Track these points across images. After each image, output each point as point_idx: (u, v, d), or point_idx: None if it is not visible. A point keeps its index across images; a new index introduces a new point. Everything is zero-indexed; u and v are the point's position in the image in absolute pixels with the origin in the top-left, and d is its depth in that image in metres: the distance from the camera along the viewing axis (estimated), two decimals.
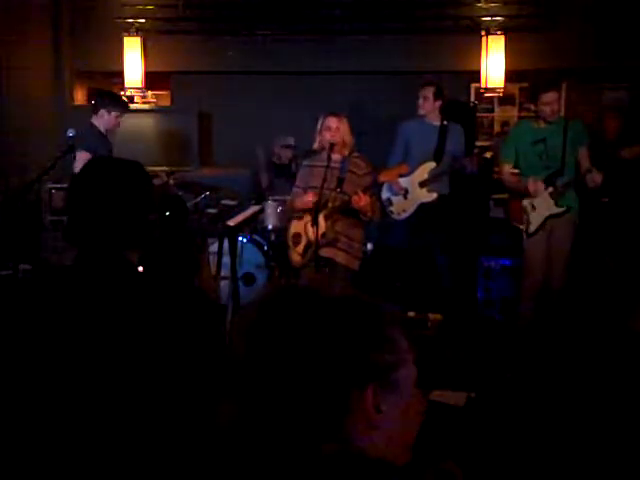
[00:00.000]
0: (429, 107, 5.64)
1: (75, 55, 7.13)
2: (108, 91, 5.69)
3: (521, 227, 4.96)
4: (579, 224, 5.04)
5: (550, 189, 4.86)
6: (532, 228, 4.91)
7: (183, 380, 1.79)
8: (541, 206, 4.87)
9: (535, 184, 4.85)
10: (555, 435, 3.12)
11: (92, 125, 5.23)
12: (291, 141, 6.38)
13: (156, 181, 5.40)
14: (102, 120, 5.24)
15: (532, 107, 4.96)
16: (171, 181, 5.62)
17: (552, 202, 4.86)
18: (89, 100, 7.48)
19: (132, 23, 6.91)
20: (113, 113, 5.25)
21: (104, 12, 6.97)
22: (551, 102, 4.78)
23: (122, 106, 5.38)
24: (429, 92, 5.62)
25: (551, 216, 4.87)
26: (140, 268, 2.38)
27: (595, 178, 4.66)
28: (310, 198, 4.41)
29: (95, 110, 5.26)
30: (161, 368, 1.76)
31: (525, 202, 4.93)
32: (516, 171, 5.08)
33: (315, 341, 1.05)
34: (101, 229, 1.85)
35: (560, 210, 4.86)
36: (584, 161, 4.87)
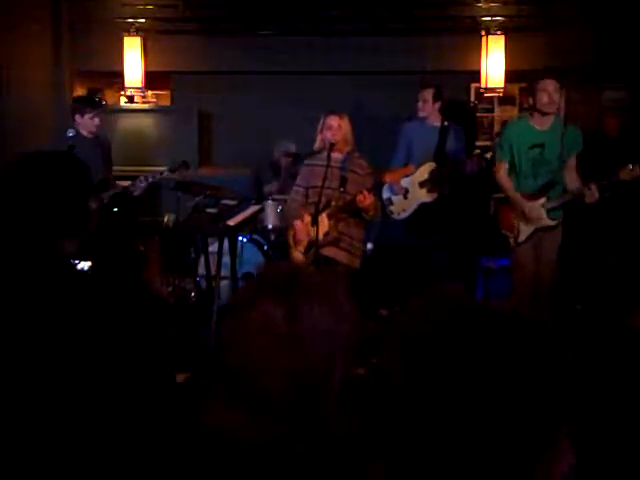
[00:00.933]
0: (429, 110, 5.65)
1: (75, 55, 7.12)
2: (79, 96, 6.00)
3: (509, 235, 4.83)
4: (580, 223, 5.00)
5: (542, 200, 4.71)
6: (522, 238, 4.78)
7: (114, 372, 1.74)
8: (534, 217, 4.73)
9: (530, 207, 4.70)
10: None
11: (77, 133, 5.44)
12: (292, 148, 6.35)
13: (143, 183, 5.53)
14: (80, 126, 5.47)
15: (530, 100, 4.70)
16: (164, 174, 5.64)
17: (544, 214, 4.72)
18: None
19: (132, 23, 6.91)
20: (86, 115, 5.46)
21: (104, 12, 6.97)
22: (549, 89, 4.53)
23: (92, 106, 5.59)
24: (428, 95, 5.63)
25: (540, 228, 4.75)
26: (88, 262, 2.33)
27: (594, 194, 4.46)
28: (303, 231, 4.46)
29: (72, 119, 5.52)
30: (92, 360, 1.71)
31: (518, 213, 4.79)
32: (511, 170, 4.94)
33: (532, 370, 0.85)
34: (27, 219, 1.82)
35: (552, 223, 4.73)
36: (572, 170, 4.72)
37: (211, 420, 1.24)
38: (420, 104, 5.67)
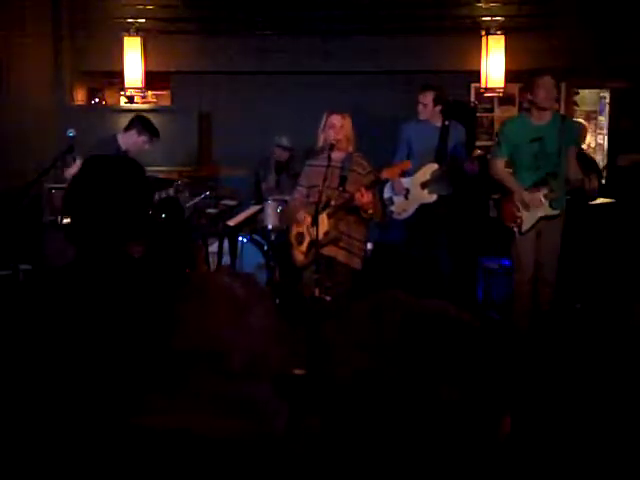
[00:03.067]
0: (429, 113, 5.63)
1: (75, 55, 7.13)
2: (146, 118, 5.68)
3: (512, 226, 4.93)
4: (583, 224, 5.05)
5: (545, 190, 4.81)
6: (525, 227, 4.88)
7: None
8: (535, 206, 4.84)
9: (531, 196, 4.83)
10: (555, 433, 3.11)
11: (114, 140, 5.37)
12: (284, 142, 6.35)
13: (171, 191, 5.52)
14: (127, 138, 5.38)
15: (528, 96, 4.87)
16: (179, 182, 5.65)
17: (547, 204, 4.83)
18: (90, 100, 7.49)
19: (132, 23, 6.91)
20: (142, 137, 5.40)
21: (104, 12, 6.98)
22: (547, 85, 4.74)
23: (153, 133, 5.48)
24: (428, 98, 5.60)
25: (543, 217, 4.86)
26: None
27: (593, 184, 4.69)
28: (305, 219, 4.48)
29: (127, 128, 5.41)
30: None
31: (518, 202, 4.90)
32: (509, 170, 5.05)
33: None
34: (100, 226, 1.87)
35: (555, 213, 4.84)
36: (572, 160, 4.84)
37: (150, 419, 1.25)
38: (420, 107, 5.65)
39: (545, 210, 4.84)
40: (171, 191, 5.50)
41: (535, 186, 4.85)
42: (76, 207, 1.92)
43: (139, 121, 5.50)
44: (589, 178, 4.72)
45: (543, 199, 4.82)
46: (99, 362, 1.74)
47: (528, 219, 4.87)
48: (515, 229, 4.92)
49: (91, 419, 1.70)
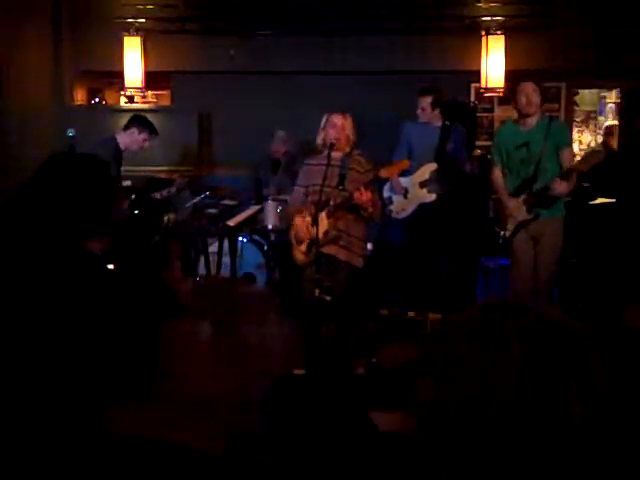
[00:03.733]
0: (428, 116, 5.67)
1: (75, 55, 7.13)
2: (143, 116, 5.75)
3: (501, 232, 4.90)
4: (583, 224, 5.01)
5: (523, 196, 4.78)
6: (507, 234, 4.87)
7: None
8: (516, 212, 4.81)
9: (513, 202, 4.80)
10: (554, 433, 3.11)
11: (113, 139, 5.43)
12: (281, 134, 6.38)
13: (172, 189, 5.54)
14: (127, 137, 5.44)
15: (512, 102, 4.84)
16: (178, 181, 5.69)
17: (524, 209, 4.77)
18: (90, 100, 7.49)
19: (132, 23, 6.91)
20: (142, 135, 5.46)
21: (104, 12, 6.98)
22: (526, 91, 4.68)
23: (152, 130, 5.55)
24: (426, 102, 5.64)
25: (522, 223, 4.80)
26: (111, 266, 2.41)
27: (558, 187, 4.56)
28: (303, 229, 4.46)
29: (126, 127, 5.48)
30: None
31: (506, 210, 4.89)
32: (504, 171, 5.02)
33: None
34: (56, 220, 1.87)
35: (529, 217, 4.78)
36: (567, 163, 4.73)
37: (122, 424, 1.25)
38: (419, 111, 5.69)
39: (522, 215, 4.78)
40: (166, 192, 5.53)
41: (517, 192, 4.82)
42: (34, 202, 1.93)
43: (137, 119, 5.55)
44: (555, 182, 4.55)
45: (521, 204, 4.78)
46: (49, 362, 1.74)
47: (511, 224, 4.85)
48: (502, 234, 4.90)
49: (59, 423, 1.69)
